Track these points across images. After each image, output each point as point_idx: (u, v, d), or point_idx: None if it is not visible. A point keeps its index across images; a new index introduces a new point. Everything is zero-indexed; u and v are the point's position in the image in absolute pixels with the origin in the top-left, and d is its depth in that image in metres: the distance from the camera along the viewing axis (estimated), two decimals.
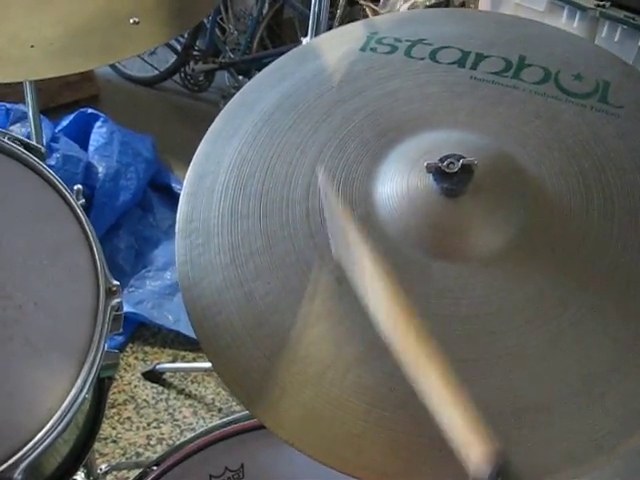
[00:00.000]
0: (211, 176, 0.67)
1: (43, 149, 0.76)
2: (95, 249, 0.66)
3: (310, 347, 0.57)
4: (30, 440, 0.56)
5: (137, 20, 0.86)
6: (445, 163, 0.60)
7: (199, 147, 0.69)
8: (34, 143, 0.73)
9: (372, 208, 0.62)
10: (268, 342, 0.58)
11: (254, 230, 0.63)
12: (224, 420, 0.89)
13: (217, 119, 0.71)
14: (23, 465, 0.55)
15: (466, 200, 0.61)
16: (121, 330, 0.68)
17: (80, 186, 0.87)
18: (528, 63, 0.72)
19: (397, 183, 0.63)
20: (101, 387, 0.75)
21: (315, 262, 0.60)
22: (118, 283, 0.66)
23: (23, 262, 0.64)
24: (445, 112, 0.68)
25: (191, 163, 0.68)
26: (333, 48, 0.75)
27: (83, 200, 0.89)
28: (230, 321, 0.59)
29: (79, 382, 0.59)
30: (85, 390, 0.60)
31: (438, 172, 0.60)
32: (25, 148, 0.71)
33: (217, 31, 2.56)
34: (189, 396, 1.70)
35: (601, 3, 1.34)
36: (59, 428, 0.58)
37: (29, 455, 0.56)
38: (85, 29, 0.86)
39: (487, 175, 0.62)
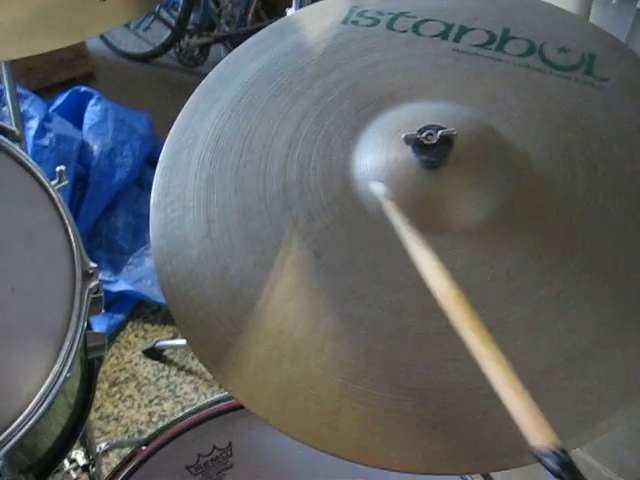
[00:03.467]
0: (187, 150, 0.65)
1: (18, 131, 0.75)
2: (71, 232, 0.66)
3: (286, 321, 0.56)
4: (9, 426, 0.56)
5: None
6: (424, 134, 0.58)
7: (176, 121, 0.68)
8: (8, 126, 0.72)
9: (351, 181, 0.61)
10: (243, 317, 0.57)
11: (230, 203, 0.61)
12: (211, 399, 0.88)
13: (195, 92, 0.69)
14: (4, 450, 0.55)
15: (446, 172, 0.59)
16: (103, 311, 0.67)
17: (63, 167, 0.86)
18: (512, 36, 0.70)
19: (376, 155, 0.61)
20: (90, 368, 0.75)
21: (292, 235, 0.59)
22: (95, 265, 0.65)
23: None
24: (427, 84, 0.67)
25: (167, 137, 0.67)
26: (315, 21, 0.74)
27: (66, 181, 0.88)
28: (205, 296, 0.58)
29: (57, 367, 0.59)
30: (64, 374, 0.59)
31: (417, 144, 0.59)
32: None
33: (211, 4, 2.54)
34: (190, 372, 1.71)
35: None
36: (39, 412, 0.57)
37: (8, 441, 0.55)
38: (50, 8, 0.84)
39: (468, 146, 0.60)
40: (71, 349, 0.60)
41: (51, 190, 0.67)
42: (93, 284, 0.64)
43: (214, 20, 2.56)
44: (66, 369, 0.59)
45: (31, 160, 0.69)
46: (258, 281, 0.58)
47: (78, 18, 0.83)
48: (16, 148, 0.70)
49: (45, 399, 0.58)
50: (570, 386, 0.53)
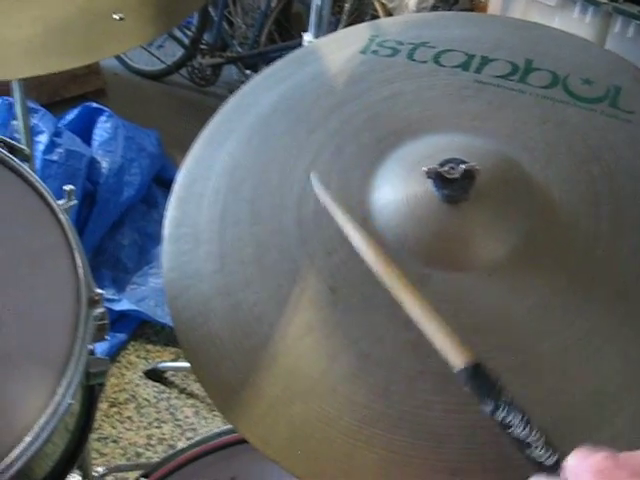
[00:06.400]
0: (202, 181, 0.64)
1: (27, 150, 0.73)
2: (77, 257, 0.64)
3: (299, 360, 0.54)
4: (7, 456, 0.53)
5: (122, 16, 0.83)
6: (445, 168, 0.57)
7: (191, 150, 0.66)
8: (18, 144, 0.71)
9: (369, 215, 0.59)
10: (255, 354, 0.55)
11: (244, 237, 0.60)
12: (215, 431, 0.86)
13: (211, 122, 0.68)
14: None
15: (468, 207, 0.58)
16: (107, 338, 0.65)
17: (72, 187, 0.85)
18: (535, 67, 0.69)
19: (395, 189, 0.60)
20: (91, 394, 0.73)
21: (307, 270, 0.57)
22: (101, 292, 0.63)
23: (2, 271, 0.62)
24: (448, 116, 0.65)
25: (182, 167, 0.65)
26: (334, 50, 0.73)
27: (75, 201, 0.86)
28: (216, 332, 0.56)
29: (57, 397, 0.57)
30: (65, 403, 0.57)
31: (438, 178, 0.57)
32: (9, 150, 0.69)
33: (225, 25, 2.54)
34: (191, 395, 1.67)
35: None
36: (38, 443, 0.55)
37: (7, 471, 0.53)
38: (65, 26, 0.83)
39: (490, 181, 0.58)
40: (73, 378, 0.58)
41: (59, 212, 0.66)
42: (98, 311, 0.61)
43: (227, 41, 2.56)
44: (67, 399, 0.57)
45: (40, 181, 0.67)
46: (272, 317, 0.56)
47: (94, 37, 0.82)
48: (25, 168, 0.69)
49: (45, 429, 0.55)
50: (597, 432, 0.51)
